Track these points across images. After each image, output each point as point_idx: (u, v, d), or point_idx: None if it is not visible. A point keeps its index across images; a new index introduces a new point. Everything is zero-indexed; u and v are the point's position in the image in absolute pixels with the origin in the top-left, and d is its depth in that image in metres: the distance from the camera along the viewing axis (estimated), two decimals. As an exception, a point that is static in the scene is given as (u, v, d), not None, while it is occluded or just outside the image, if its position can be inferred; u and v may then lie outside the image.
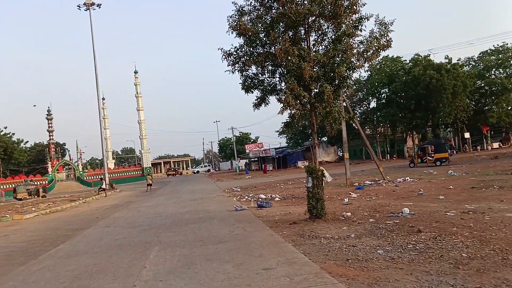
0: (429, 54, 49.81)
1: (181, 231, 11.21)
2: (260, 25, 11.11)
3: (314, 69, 10.84)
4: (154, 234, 11.23)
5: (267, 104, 12.06)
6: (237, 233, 10.03)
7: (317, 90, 11.06)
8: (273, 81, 11.74)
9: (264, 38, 11.18)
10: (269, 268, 6.54)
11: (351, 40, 10.90)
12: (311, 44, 11.38)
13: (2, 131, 70.09)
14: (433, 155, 31.58)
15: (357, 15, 10.90)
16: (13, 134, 71.41)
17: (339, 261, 6.72)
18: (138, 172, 65.78)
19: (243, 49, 11.35)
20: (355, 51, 10.98)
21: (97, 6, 43.76)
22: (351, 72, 11.19)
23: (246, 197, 19.64)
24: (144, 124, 66.84)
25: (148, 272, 7.04)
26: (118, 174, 64.39)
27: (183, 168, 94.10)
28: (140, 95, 66.66)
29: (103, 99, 71.77)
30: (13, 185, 48.46)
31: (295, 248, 7.86)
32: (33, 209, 25.00)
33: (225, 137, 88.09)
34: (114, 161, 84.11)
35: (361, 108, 59.17)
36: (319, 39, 11.51)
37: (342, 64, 10.73)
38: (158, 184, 44.97)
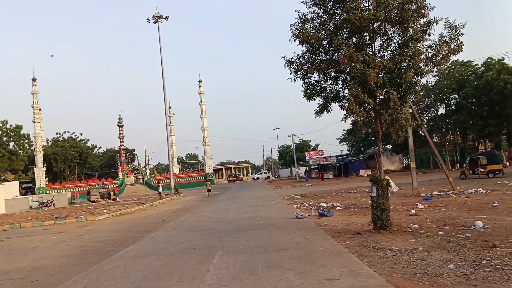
0: (503, 58, 46.45)
1: (242, 237, 11.36)
2: (323, 32, 11.06)
3: (380, 75, 10.59)
4: (217, 239, 11.48)
5: (329, 111, 11.93)
6: (298, 241, 9.97)
7: (383, 97, 10.78)
8: (336, 88, 11.60)
9: (327, 45, 11.10)
10: (332, 278, 6.43)
11: (419, 45, 10.51)
12: (376, 50, 11.13)
13: (78, 137, 75.69)
14: (486, 166, 29.76)
15: (425, 19, 10.51)
16: (88, 140, 76.77)
17: (407, 275, 6.44)
18: (201, 178, 67.65)
19: (306, 56, 11.34)
20: (423, 56, 10.59)
21: (165, 18, 45.96)
22: (419, 77, 10.79)
23: (307, 205, 19.47)
24: (207, 131, 68.79)
25: (212, 276, 7.21)
26: (183, 179, 66.68)
27: (243, 175, 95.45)
28: (203, 103, 68.76)
29: (170, 107, 74.91)
30: (87, 188, 52.03)
31: (359, 259, 7.65)
32: (104, 211, 26.61)
33: (285, 144, 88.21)
34: (179, 166, 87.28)
35: (428, 115, 56.48)
36: (384, 45, 11.23)
37: (409, 69, 10.37)
38: (220, 190, 45.94)
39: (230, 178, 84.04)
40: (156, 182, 62.65)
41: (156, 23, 45.73)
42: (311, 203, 20.13)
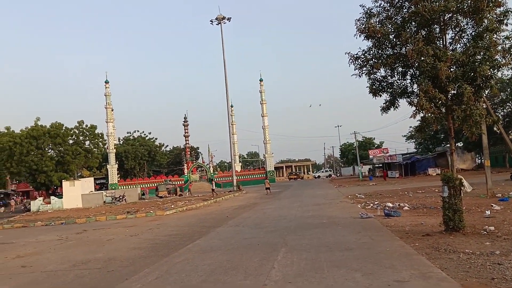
0: None
1: (306, 235, 11.33)
2: (389, 26, 10.70)
3: (451, 69, 10.02)
4: (280, 236, 11.54)
5: (396, 107, 11.52)
6: (364, 241, 9.75)
7: (455, 92, 10.20)
8: (403, 83, 11.17)
9: (394, 39, 10.73)
10: (401, 280, 6.22)
11: (495, 36, 9.81)
12: (447, 43, 10.57)
13: (147, 136, 79.61)
14: None
15: (501, 8, 9.79)
16: (156, 138, 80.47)
17: (483, 279, 6.07)
18: (262, 175, 68.21)
19: (371, 51, 11.03)
20: (499, 47, 9.87)
21: (227, 19, 46.81)
22: (495, 71, 10.06)
23: (371, 204, 18.94)
24: (268, 130, 69.30)
25: (277, 272, 7.27)
26: (244, 177, 67.71)
27: (304, 173, 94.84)
28: (264, 101, 69.27)
29: (232, 106, 76.35)
30: (156, 184, 54.59)
31: (429, 261, 7.33)
32: (172, 206, 27.77)
33: (347, 142, 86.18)
34: (240, 164, 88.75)
35: (504, 110, 52.49)
36: (456, 37, 10.62)
37: (484, 62, 9.71)
38: (280, 188, 46.06)
39: (290, 176, 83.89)
40: (208, 180, 64.32)
41: (219, 25, 46.76)
42: (376, 202, 19.55)
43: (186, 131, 79.06)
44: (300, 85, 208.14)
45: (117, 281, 7.83)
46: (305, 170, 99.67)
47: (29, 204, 42.77)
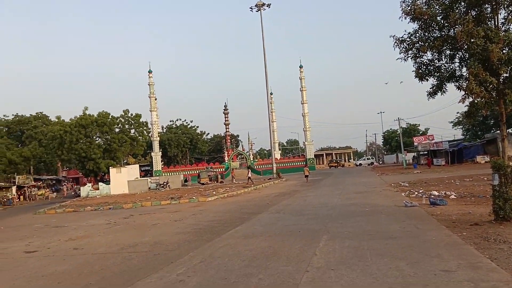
0: None
1: (348, 223, 11.22)
2: (437, 7, 10.27)
3: (504, 51, 9.49)
4: (322, 224, 11.50)
5: (444, 92, 11.10)
6: (409, 230, 9.53)
7: (507, 75, 9.68)
8: (451, 67, 10.76)
9: (441, 21, 10.31)
10: (448, 270, 6.05)
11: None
12: (499, 23, 10.01)
13: (188, 124, 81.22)
14: None
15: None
16: (197, 126, 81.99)
17: (537, 272, 5.78)
18: (302, 163, 67.88)
19: (417, 34, 10.67)
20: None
21: (267, 6, 46.48)
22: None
23: (416, 193, 18.42)
24: (308, 117, 68.67)
25: (319, 259, 7.27)
26: (283, 164, 67.71)
27: (345, 160, 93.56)
28: (304, 88, 68.59)
29: (271, 94, 76.22)
30: (197, 171, 55.76)
31: (478, 251, 7.07)
32: (213, 192, 28.30)
33: (390, 128, 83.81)
34: (280, 151, 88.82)
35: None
36: (509, 17, 10.02)
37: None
38: (321, 175, 45.71)
39: (331, 164, 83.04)
40: (248, 167, 64.68)
41: (259, 11, 46.55)
42: (420, 191, 18.99)
43: (227, 119, 79.97)
44: (342, 70, 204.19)
45: (163, 264, 8.12)
46: (346, 158, 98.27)
47: (79, 190, 44.97)
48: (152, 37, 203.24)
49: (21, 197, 46.03)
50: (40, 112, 74.53)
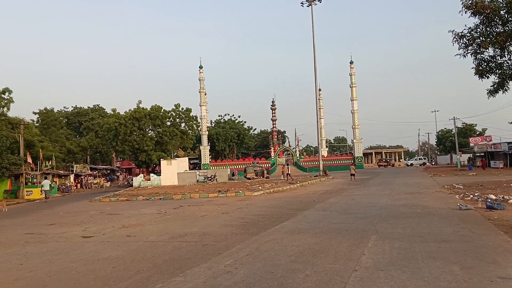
0: None
1: (398, 224, 10.92)
2: (501, 0, 9.67)
3: None
4: (370, 223, 11.27)
5: (506, 90, 10.47)
6: (463, 234, 9.12)
7: None
8: (516, 64, 10.09)
9: (505, 15, 9.69)
10: (506, 277, 5.76)
11: None
12: None
13: (236, 119, 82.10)
14: None
15: None
16: (245, 122, 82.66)
17: None
18: (349, 161, 66.67)
19: (478, 29, 10.09)
20: None
21: (318, 1, 45.90)
22: None
23: (471, 196, 17.55)
24: (357, 114, 67.20)
25: (368, 259, 7.14)
26: (330, 162, 66.84)
27: (395, 160, 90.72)
28: (354, 85, 67.18)
29: (320, 90, 75.34)
30: (244, 166, 56.37)
31: (541, 260, 6.65)
32: (259, 187, 28.50)
33: (445, 128, 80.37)
34: (327, 149, 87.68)
35: None
36: None
37: None
38: (369, 175, 44.68)
39: (380, 163, 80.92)
40: (293, 164, 64.07)
41: (310, 6, 46.08)
42: (476, 194, 18.08)
43: (274, 114, 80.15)
44: (393, 67, 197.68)
45: (211, 254, 8.32)
46: (397, 157, 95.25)
47: (132, 180, 46.95)
48: (202, 33, 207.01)
49: (78, 185, 48.80)
50: (97, 105, 78.56)
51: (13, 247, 10.79)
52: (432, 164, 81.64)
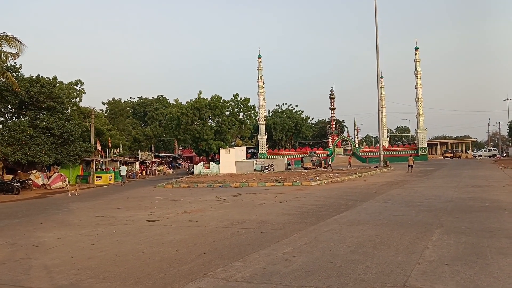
0: None
1: (465, 218, 10.38)
2: None
3: None
4: (434, 217, 10.82)
5: None
6: (539, 231, 8.50)
7: None
8: None
9: None
10: None
11: None
12: None
13: (294, 108, 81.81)
14: None
15: None
16: (302, 111, 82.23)
17: None
18: (412, 152, 64.07)
19: None
20: None
21: (380, -15, 44.13)
22: None
23: (549, 190, 16.26)
24: (421, 103, 64.17)
25: (432, 253, 6.90)
26: (392, 153, 64.65)
27: (462, 151, 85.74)
28: (419, 72, 64.08)
29: (381, 77, 72.79)
30: (301, 156, 56.16)
31: None
32: (317, 177, 28.27)
33: (519, 117, 74.61)
34: (388, 139, 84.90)
35: None
36: None
37: None
38: (434, 166, 42.65)
39: (445, 154, 76.81)
40: (348, 155, 62.49)
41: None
42: (555, 189, 16.71)
43: (332, 104, 78.88)
44: (461, 51, 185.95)
45: (269, 242, 8.45)
46: (464, 149, 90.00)
47: (192, 167, 48.58)
48: (261, 21, 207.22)
49: (143, 171, 51.32)
50: (161, 95, 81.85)
51: (86, 228, 11.65)
52: (503, 156, 76.14)
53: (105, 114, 60.59)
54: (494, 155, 72.51)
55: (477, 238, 7.90)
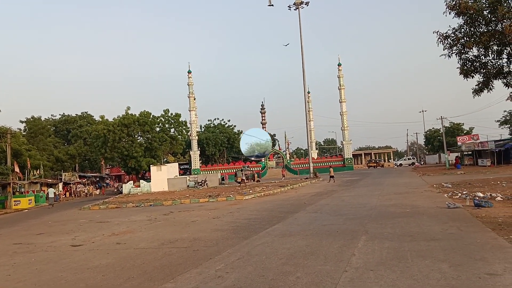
0: None
1: (387, 224, 10.99)
2: (484, 0, 9.84)
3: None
4: (360, 224, 11.32)
5: (491, 89, 10.64)
6: (452, 232, 9.22)
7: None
8: (499, 63, 10.27)
9: (488, 15, 9.85)
10: (494, 273, 5.82)
11: None
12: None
13: (226, 123, 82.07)
14: None
15: None
16: (235, 126, 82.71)
17: None
18: (340, 163, 67.10)
19: (463, 29, 10.25)
20: None
21: (305, 4, 46.17)
22: None
23: (459, 194, 17.76)
24: (346, 116, 67.67)
25: (358, 260, 7.18)
26: (321, 164, 67.10)
27: (384, 160, 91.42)
28: (343, 87, 67.62)
29: (309, 92, 75.67)
30: (234, 170, 56.23)
31: (527, 256, 6.74)
32: (250, 191, 28.46)
33: (432, 128, 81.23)
34: (317, 151, 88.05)
35: None
36: None
37: None
38: (359, 176, 44.96)
39: (369, 164, 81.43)
40: (281, 167, 64.01)
41: (297, 10, 46.35)
42: (464, 192, 18.29)
43: (263, 118, 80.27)
44: (380, 69, 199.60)
45: (202, 260, 8.28)
46: (386, 158, 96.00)
47: (121, 187, 46.56)
48: (190, 37, 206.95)
49: (67, 193, 48.22)
50: (85, 112, 77.77)
51: (1, 258, 10.62)
52: (421, 164, 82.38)
53: (24, 133, 56.36)
54: (413, 163, 78.08)
55: (399, 243, 8.38)
